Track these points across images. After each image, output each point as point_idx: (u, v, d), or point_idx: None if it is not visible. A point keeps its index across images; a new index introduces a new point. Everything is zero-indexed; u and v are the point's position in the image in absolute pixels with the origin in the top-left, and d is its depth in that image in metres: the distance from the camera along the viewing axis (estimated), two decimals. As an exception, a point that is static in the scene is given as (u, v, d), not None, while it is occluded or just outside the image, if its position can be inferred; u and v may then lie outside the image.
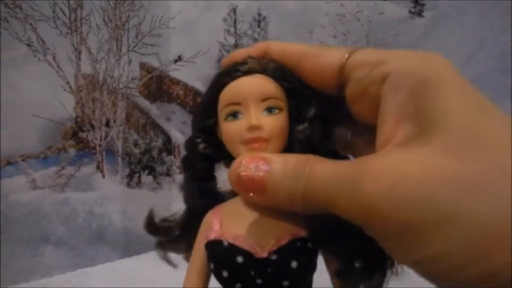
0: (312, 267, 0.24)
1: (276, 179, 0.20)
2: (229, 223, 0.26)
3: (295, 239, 0.24)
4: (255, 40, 5.86)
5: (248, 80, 0.25)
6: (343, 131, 0.26)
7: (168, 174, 3.90)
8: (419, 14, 7.16)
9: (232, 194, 0.27)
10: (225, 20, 5.86)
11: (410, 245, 0.17)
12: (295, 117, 0.25)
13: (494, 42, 3.88)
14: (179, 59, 4.36)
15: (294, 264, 0.23)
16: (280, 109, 0.24)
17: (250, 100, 0.24)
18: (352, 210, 0.18)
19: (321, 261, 0.26)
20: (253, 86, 0.24)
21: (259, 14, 6.14)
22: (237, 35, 5.85)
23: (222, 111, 0.25)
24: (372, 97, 0.21)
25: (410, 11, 7.21)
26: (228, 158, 0.23)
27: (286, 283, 0.23)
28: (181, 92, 5.13)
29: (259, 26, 6.06)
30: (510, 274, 0.15)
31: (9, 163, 4.13)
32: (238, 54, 0.26)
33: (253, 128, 0.24)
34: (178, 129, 4.53)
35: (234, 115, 0.24)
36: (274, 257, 0.24)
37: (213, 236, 0.25)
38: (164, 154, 4.08)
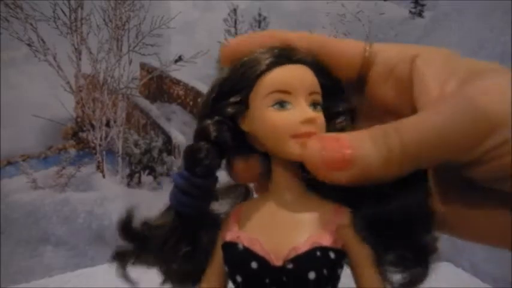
0: (334, 279, 0.23)
1: (362, 147, 0.20)
2: (248, 224, 0.24)
3: (315, 248, 0.22)
4: (256, 40, 5.85)
5: (297, 69, 0.23)
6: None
7: (168, 175, 3.90)
8: (420, 14, 7.15)
9: (227, 193, 0.26)
10: (225, 20, 5.87)
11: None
12: (329, 113, 0.24)
13: (494, 42, 3.87)
14: (179, 59, 4.36)
15: (311, 275, 0.22)
16: (321, 105, 0.23)
17: (301, 91, 0.23)
18: (470, 129, 0.19)
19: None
20: (304, 77, 0.23)
21: (259, 15, 6.14)
22: (238, 35, 5.83)
23: (266, 98, 0.23)
24: (400, 76, 0.22)
25: (410, 12, 7.20)
26: (242, 150, 0.21)
27: None
28: (181, 92, 5.14)
29: (259, 27, 6.05)
30: None
31: (9, 163, 4.13)
32: (244, 39, 0.25)
33: (310, 121, 0.23)
34: (179, 129, 4.53)
35: (282, 104, 0.23)
36: (290, 266, 0.22)
37: (229, 238, 0.23)
38: (164, 154, 4.08)
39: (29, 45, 3.78)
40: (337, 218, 0.22)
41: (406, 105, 0.22)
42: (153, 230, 0.24)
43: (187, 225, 0.24)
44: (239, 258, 0.23)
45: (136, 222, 0.25)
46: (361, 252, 0.22)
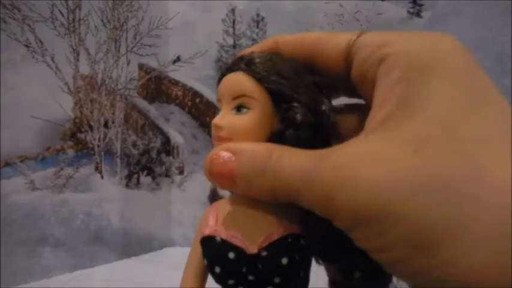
0: (306, 264, 0.24)
1: (244, 172, 0.21)
2: (225, 218, 0.26)
3: (286, 235, 0.23)
4: (254, 41, 5.86)
5: (227, 77, 0.25)
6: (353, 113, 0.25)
7: (167, 175, 3.90)
8: (418, 14, 7.17)
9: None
10: (223, 20, 5.86)
11: (368, 234, 0.17)
12: (282, 119, 0.25)
13: (492, 42, 3.89)
14: (178, 59, 4.36)
15: (284, 260, 0.23)
16: (251, 108, 0.24)
17: (225, 97, 0.25)
18: (317, 203, 0.18)
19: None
20: (227, 83, 0.25)
21: (257, 15, 6.14)
22: (236, 36, 5.84)
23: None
24: (372, 80, 0.21)
25: (408, 12, 7.21)
26: None
27: (277, 280, 0.23)
28: (180, 93, 5.14)
29: (257, 27, 6.06)
30: (441, 273, 0.16)
31: (7, 164, 4.12)
32: (250, 49, 0.26)
33: (214, 126, 0.24)
34: (177, 129, 4.53)
35: (219, 111, 0.25)
36: (264, 253, 0.23)
37: (207, 232, 0.25)
38: (163, 155, 4.08)
39: (26, 46, 3.77)
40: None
41: None
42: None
43: None
44: (217, 250, 0.24)
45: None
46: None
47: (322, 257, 0.24)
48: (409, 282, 0.18)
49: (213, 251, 0.25)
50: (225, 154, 0.21)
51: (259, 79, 0.24)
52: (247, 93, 0.24)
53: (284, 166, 0.19)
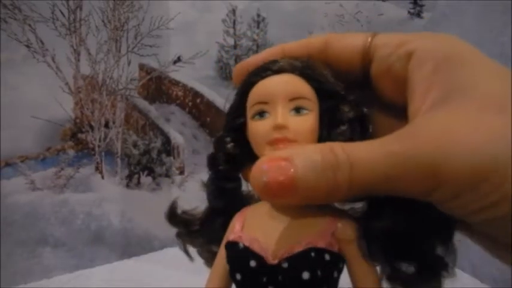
0: (329, 281, 0.23)
1: (306, 173, 0.19)
2: (251, 226, 0.25)
3: (309, 249, 0.23)
4: (254, 41, 5.86)
5: (276, 78, 0.24)
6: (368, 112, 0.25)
7: (167, 175, 3.90)
8: (419, 15, 7.16)
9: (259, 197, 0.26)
10: (224, 21, 5.86)
11: (472, 198, 0.17)
12: (330, 119, 0.24)
13: (492, 42, 3.88)
14: (178, 60, 4.36)
15: (305, 275, 0.22)
16: (310, 110, 0.24)
17: (278, 99, 0.23)
18: (417, 180, 0.17)
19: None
20: (281, 84, 0.24)
21: (258, 15, 6.14)
22: (236, 36, 5.84)
23: (250, 110, 0.24)
24: (397, 74, 0.21)
25: (409, 12, 7.21)
26: (255, 160, 0.22)
27: None
28: (180, 93, 5.14)
29: (258, 27, 6.05)
30: None
31: (7, 164, 4.12)
32: (250, 62, 0.26)
33: (278, 127, 0.23)
34: (178, 130, 4.53)
35: (261, 114, 0.24)
36: (285, 264, 0.23)
37: (232, 237, 0.25)
38: (163, 155, 4.08)
39: (27, 46, 3.77)
40: (334, 227, 0.23)
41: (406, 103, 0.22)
42: (190, 217, 0.28)
43: (218, 216, 0.27)
44: (239, 257, 0.24)
45: (179, 211, 0.28)
46: (362, 267, 0.23)
47: (379, 253, 0.23)
48: (501, 241, 0.18)
49: (235, 257, 0.24)
50: (279, 162, 0.19)
51: (311, 79, 0.24)
52: (305, 94, 0.23)
53: (363, 154, 0.18)
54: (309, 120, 0.23)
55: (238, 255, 0.24)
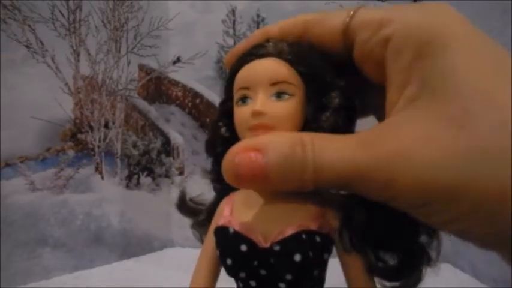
0: (319, 263, 0.23)
1: (277, 168, 0.20)
2: (240, 210, 0.25)
3: (301, 231, 0.23)
4: (254, 41, 5.84)
5: (259, 63, 0.24)
6: (361, 93, 0.26)
7: (167, 176, 3.89)
8: (418, 15, 7.17)
9: None
10: (223, 21, 5.85)
11: (434, 210, 0.18)
12: (316, 104, 0.24)
13: (492, 43, 3.88)
14: (178, 60, 4.36)
15: (297, 257, 0.22)
16: (291, 94, 0.24)
17: (259, 84, 0.23)
18: (375, 188, 0.18)
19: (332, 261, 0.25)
20: (263, 69, 0.24)
21: (258, 16, 6.14)
22: (236, 36, 5.84)
23: (235, 96, 0.25)
24: (378, 60, 0.21)
25: (409, 13, 7.22)
26: None
27: (289, 276, 0.23)
28: (180, 94, 5.13)
29: (258, 28, 6.05)
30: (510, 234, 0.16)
31: (7, 165, 4.11)
32: (239, 47, 0.25)
33: (256, 113, 0.23)
34: (178, 130, 4.53)
35: (243, 100, 0.24)
36: (277, 248, 0.23)
37: (221, 222, 0.25)
38: (163, 155, 4.07)
39: (27, 46, 3.77)
40: (324, 210, 0.23)
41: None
42: (198, 206, 0.29)
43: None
44: (229, 241, 0.24)
45: (188, 199, 0.29)
46: (351, 260, 0.23)
47: (360, 244, 0.23)
48: (476, 244, 0.18)
49: (225, 242, 0.24)
50: (250, 153, 0.19)
51: (296, 63, 0.23)
52: (288, 79, 0.23)
53: (327, 158, 0.19)
54: (289, 106, 0.23)
55: (229, 240, 0.24)
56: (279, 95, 0.23)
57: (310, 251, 0.23)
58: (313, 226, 0.23)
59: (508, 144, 0.16)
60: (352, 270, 0.24)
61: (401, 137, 0.18)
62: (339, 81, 0.23)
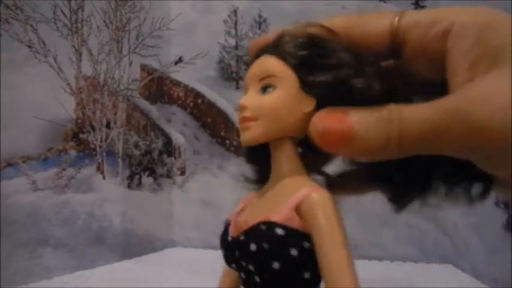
0: (281, 257, 0.23)
1: (363, 127, 0.20)
2: (247, 206, 0.26)
3: (261, 222, 0.23)
4: (256, 42, 5.83)
5: (254, 63, 0.25)
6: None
7: (168, 176, 3.90)
8: (420, 16, 7.16)
9: None
10: (225, 21, 5.85)
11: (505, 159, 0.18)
12: (311, 87, 0.24)
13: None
14: (180, 60, 4.37)
15: (252, 247, 0.22)
16: (275, 86, 0.24)
17: (250, 83, 0.25)
18: (462, 135, 0.18)
19: None
20: (253, 68, 0.25)
21: (259, 16, 6.14)
22: (238, 37, 5.84)
23: None
24: (434, 53, 0.21)
25: (410, 13, 7.21)
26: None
27: (251, 267, 0.23)
28: (181, 94, 5.14)
29: (259, 28, 6.05)
30: None
31: (9, 164, 4.12)
32: (266, 35, 0.26)
33: (239, 108, 0.24)
34: (179, 130, 4.53)
35: None
36: (241, 237, 0.24)
37: (228, 216, 0.26)
38: (164, 155, 4.08)
39: (29, 46, 3.78)
40: (300, 202, 0.23)
41: (443, 79, 0.22)
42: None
43: None
44: (222, 233, 0.25)
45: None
46: (322, 234, 0.22)
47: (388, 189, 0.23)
48: None
49: (221, 234, 0.25)
50: (338, 113, 0.20)
51: (283, 56, 0.24)
52: (272, 72, 0.24)
53: (411, 116, 0.19)
54: (272, 97, 0.24)
55: (223, 231, 0.25)
56: (264, 89, 0.24)
57: (265, 241, 0.23)
58: (276, 218, 0.23)
59: None
60: (327, 261, 0.23)
61: (492, 85, 0.18)
62: (330, 59, 0.23)
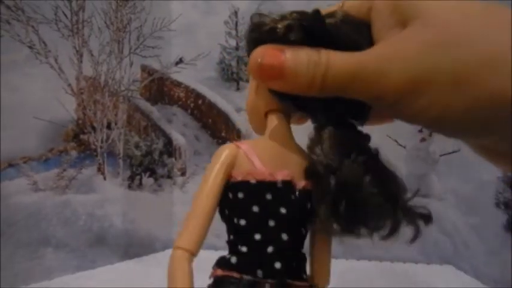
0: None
1: (294, 64, 0.24)
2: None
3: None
4: (256, 42, 5.85)
5: None
6: None
7: (169, 177, 3.91)
8: (421, 16, 7.16)
9: None
10: (226, 22, 5.86)
11: (409, 101, 0.21)
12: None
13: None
14: (180, 61, 4.37)
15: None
16: (248, 79, 0.28)
17: None
18: (370, 86, 0.22)
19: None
20: None
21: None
22: (239, 38, 5.84)
23: None
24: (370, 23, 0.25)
25: (411, 14, 7.21)
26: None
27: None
28: (182, 95, 5.15)
29: (260, 29, 6.04)
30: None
31: (10, 165, 4.13)
32: None
33: None
34: (179, 131, 4.54)
35: None
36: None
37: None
38: (165, 156, 4.09)
39: (30, 47, 3.79)
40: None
41: None
42: None
43: None
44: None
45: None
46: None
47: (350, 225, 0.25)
48: (446, 127, 0.21)
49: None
50: (274, 50, 0.23)
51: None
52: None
53: (336, 62, 0.22)
54: (249, 89, 0.28)
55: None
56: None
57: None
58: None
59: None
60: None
61: (392, 44, 0.22)
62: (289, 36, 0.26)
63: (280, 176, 0.25)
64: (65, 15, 4.10)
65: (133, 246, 2.76)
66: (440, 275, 1.00)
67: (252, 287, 0.23)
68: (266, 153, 0.26)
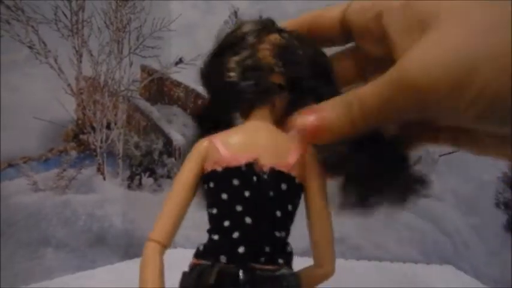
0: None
1: (332, 115, 0.25)
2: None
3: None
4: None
5: None
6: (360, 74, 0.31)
7: (168, 177, 3.89)
8: (420, 16, 7.18)
9: None
10: (226, 22, 5.85)
11: (453, 99, 0.21)
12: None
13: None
14: (180, 61, 4.36)
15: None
16: None
17: None
18: (410, 104, 0.21)
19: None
20: None
21: (260, 17, 6.14)
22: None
23: None
24: (378, 34, 0.25)
25: (410, 14, 7.23)
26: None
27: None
28: (182, 95, 5.12)
29: (260, 29, 6.07)
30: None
31: (10, 165, 4.11)
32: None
33: None
34: (179, 131, 4.52)
35: None
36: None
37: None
38: (165, 156, 4.07)
39: (30, 47, 3.76)
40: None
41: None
42: None
43: None
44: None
45: None
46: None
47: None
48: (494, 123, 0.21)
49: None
50: (309, 113, 0.25)
51: None
52: None
53: (364, 93, 0.23)
54: None
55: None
56: None
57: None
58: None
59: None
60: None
61: (411, 57, 0.21)
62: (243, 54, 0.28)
63: (243, 160, 0.25)
64: (65, 15, 4.08)
65: (133, 246, 2.75)
66: (440, 275, 1.01)
67: (203, 272, 0.24)
68: (233, 139, 0.26)
